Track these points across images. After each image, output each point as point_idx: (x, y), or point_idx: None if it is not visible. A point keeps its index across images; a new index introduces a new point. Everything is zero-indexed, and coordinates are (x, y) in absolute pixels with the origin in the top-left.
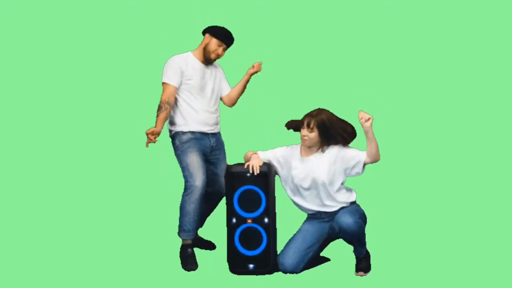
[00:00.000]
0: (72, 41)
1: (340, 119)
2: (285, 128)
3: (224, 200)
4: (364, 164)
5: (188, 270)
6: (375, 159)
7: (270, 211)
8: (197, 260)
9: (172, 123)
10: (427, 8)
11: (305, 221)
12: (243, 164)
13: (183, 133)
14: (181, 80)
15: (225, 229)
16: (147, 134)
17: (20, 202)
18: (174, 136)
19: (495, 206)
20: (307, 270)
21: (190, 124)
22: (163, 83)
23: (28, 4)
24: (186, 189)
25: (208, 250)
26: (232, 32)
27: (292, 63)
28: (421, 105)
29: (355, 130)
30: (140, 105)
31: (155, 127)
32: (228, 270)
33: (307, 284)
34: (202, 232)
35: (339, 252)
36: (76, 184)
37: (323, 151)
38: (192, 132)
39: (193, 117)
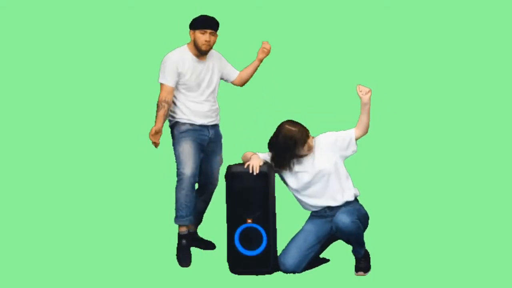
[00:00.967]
0: (72, 41)
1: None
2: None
3: (224, 199)
4: (356, 139)
5: (182, 266)
6: (365, 132)
7: (270, 211)
8: (197, 260)
9: (172, 114)
10: (427, 8)
11: (307, 221)
12: (243, 164)
13: (183, 123)
14: (178, 79)
15: (225, 229)
16: (150, 138)
17: (20, 200)
18: (173, 125)
19: (495, 206)
20: (307, 270)
21: (190, 117)
22: (160, 83)
23: (28, 4)
24: (177, 176)
25: (208, 250)
26: (212, 15)
27: (292, 62)
28: (422, 105)
29: None
30: (139, 102)
31: (155, 125)
32: (228, 270)
33: (307, 284)
34: (202, 232)
35: (339, 252)
36: (76, 181)
37: (314, 146)
38: (192, 124)
39: (194, 112)
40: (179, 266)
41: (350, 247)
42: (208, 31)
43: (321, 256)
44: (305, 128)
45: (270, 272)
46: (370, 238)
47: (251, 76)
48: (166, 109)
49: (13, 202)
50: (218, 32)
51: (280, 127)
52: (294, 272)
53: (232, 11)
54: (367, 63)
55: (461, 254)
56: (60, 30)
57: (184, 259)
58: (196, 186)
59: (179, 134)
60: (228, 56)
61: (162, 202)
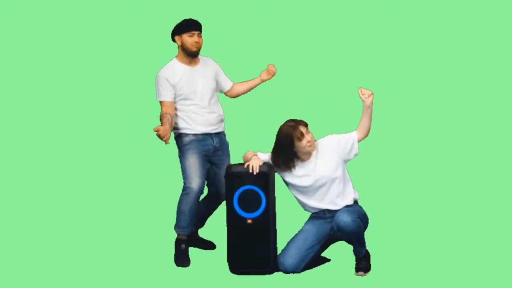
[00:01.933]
0: (72, 41)
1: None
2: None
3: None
4: (358, 142)
5: (179, 266)
6: (366, 135)
7: (270, 211)
8: (197, 260)
9: (174, 126)
10: (428, 10)
11: (307, 221)
12: (243, 164)
13: (186, 134)
14: (174, 93)
15: (225, 229)
16: (158, 135)
17: (20, 199)
18: (177, 138)
19: (495, 206)
20: (307, 270)
21: (192, 127)
22: (159, 101)
23: (27, 4)
24: (183, 189)
25: (208, 250)
26: (192, 17)
27: (295, 64)
28: (422, 105)
29: None
30: (138, 102)
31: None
32: (228, 270)
33: (307, 284)
34: (202, 232)
35: (339, 252)
36: (78, 182)
37: (316, 147)
38: (195, 134)
39: (194, 120)
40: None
41: (350, 247)
42: (196, 32)
43: (321, 255)
44: (301, 122)
45: (270, 272)
46: (370, 238)
47: (246, 92)
48: (169, 118)
49: (12, 204)
50: (220, 39)
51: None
52: (293, 272)
53: (232, 11)
54: (367, 65)
55: (461, 254)
56: (60, 31)
57: (182, 261)
58: (205, 193)
59: (184, 146)
60: (228, 61)
61: (162, 202)
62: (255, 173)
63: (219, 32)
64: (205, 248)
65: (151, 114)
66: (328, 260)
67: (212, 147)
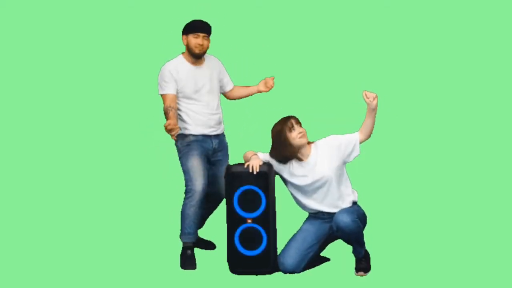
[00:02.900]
0: (72, 41)
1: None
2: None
3: (224, 200)
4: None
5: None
6: (369, 137)
7: (270, 211)
8: (197, 260)
9: None
10: (429, 11)
11: (305, 221)
12: (243, 164)
13: (185, 135)
14: (177, 87)
15: (225, 229)
16: (168, 129)
17: (20, 201)
18: (176, 138)
19: (494, 206)
20: (307, 270)
21: (191, 127)
22: (161, 95)
23: (27, 5)
24: (186, 192)
25: (208, 250)
26: (205, 20)
27: (295, 64)
28: (422, 105)
29: None
30: (139, 102)
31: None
32: (228, 270)
33: (307, 284)
34: (202, 232)
35: (339, 252)
36: (79, 184)
37: (316, 148)
38: (194, 135)
39: (194, 120)
40: (179, 267)
41: (350, 247)
42: (201, 35)
43: (321, 255)
44: (292, 116)
45: (270, 272)
46: (370, 238)
47: (243, 97)
48: (174, 112)
49: (13, 205)
50: (223, 38)
51: None
52: (293, 272)
53: (232, 12)
54: (367, 66)
55: (461, 255)
56: (60, 31)
57: (189, 264)
58: None
59: (183, 147)
60: (232, 60)
61: (166, 204)
62: (255, 173)
63: (220, 32)
64: (205, 248)
65: (151, 114)
66: (328, 259)
67: (211, 149)
